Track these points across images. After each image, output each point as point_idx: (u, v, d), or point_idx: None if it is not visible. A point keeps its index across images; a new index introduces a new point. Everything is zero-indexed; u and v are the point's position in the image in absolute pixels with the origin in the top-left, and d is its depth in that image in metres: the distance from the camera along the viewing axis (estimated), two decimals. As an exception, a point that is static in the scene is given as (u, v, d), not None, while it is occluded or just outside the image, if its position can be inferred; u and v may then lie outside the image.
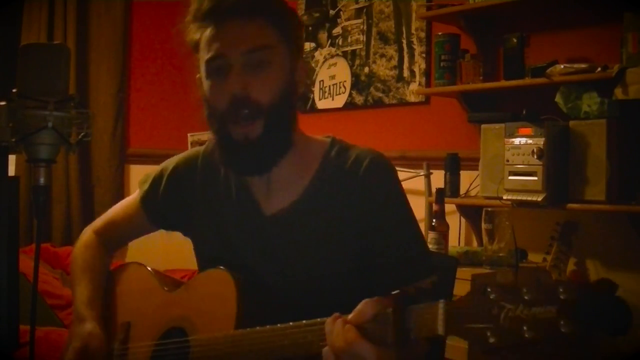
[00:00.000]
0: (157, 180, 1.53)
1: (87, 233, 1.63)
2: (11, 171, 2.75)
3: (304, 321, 1.13)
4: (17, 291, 1.16)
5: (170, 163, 1.53)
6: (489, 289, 0.86)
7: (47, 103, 1.06)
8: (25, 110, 1.06)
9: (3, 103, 1.06)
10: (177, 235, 1.59)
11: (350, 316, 1.05)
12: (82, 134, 1.10)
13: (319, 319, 1.11)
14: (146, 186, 1.54)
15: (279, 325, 1.17)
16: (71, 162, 3.94)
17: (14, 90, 1.07)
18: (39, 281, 2.67)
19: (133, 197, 1.58)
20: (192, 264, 1.56)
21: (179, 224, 1.53)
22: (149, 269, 1.54)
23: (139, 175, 3.78)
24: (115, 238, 1.62)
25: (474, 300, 0.88)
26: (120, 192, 4.05)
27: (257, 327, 1.20)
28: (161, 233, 1.62)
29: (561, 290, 0.80)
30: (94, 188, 4.04)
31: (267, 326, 1.19)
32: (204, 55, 1.32)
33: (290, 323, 1.15)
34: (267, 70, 1.30)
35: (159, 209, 1.53)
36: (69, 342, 1.45)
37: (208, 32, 1.32)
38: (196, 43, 1.35)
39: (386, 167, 1.38)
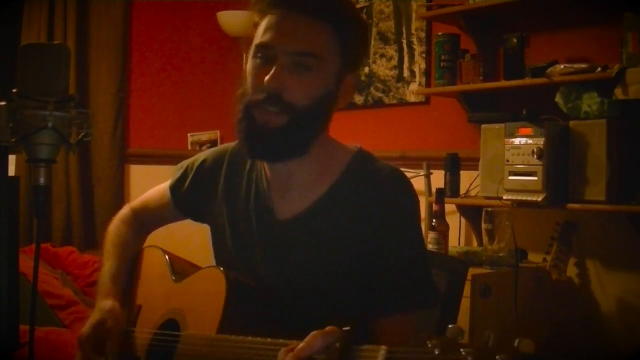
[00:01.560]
0: (187, 170, 1.55)
1: (125, 209, 1.67)
2: (11, 171, 2.75)
3: (269, 339, 1.14)
4: (17, 291, 1.16)
5: (202, 155, 1.56)
6: (430, 344, 0.86)
7: (47, 103, 1.06)
8: (25, 110, 1.06)
9: (3, 103, 1.06)
10: (190, 228, 1.61)
11: (298, 348, 1.05)
12: (82, 134, 1.10)
13: (281, 340, 1.11)
14: (178, 174, 1.56)
15: (249, 337, 1.18)
16: (71, 162, 3.94)
17: (14, 90, 1.07)
18: (39, 281, 2.67)
19: (167, 183, 1.61)
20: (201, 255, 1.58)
21: (202, 215, 1.54)
22: (166, 255, 1.55)
23: (139, 175, 3.79)
24: (148, 219, 1.65)
25: (416, 352, 0.89)
26: (120, 192, 4.05)
27: (234, 336, 1.21)
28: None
29: (498, 359, 0.81)
30: (94, 188, 4.04)
31: (241, 337, 1.20)
32: (257, 38, 1.32)
33: (259, 338, 1.16)
34: (309, 77, 1.28)
35: (184, 199, 1.55)
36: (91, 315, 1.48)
37: (270, 16, 1.30)
38: (257, 23, 1.33)
39: (407, 183, 1.39)
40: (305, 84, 1.28)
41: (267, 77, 1.27)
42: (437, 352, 0.85)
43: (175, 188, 1.57)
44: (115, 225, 1.64)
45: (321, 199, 1.37)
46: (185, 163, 1.57)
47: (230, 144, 1.52)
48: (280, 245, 1.37)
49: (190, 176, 1.53)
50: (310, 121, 1.31)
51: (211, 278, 1.34)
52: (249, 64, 1.33)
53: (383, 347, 0.94)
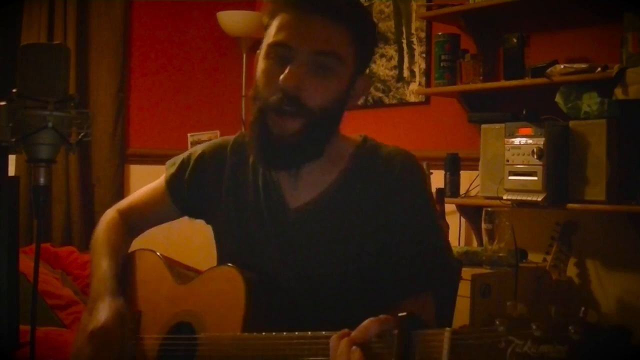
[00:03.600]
0: (184, 164, 1.50)
1: (111, 213, 1.60)
2: (11, 171, 2.75)
3: (309, 332, 1.12)
4: (17, 291, 1.16)
5: (198, 148, 1.51)
6: (497, 321, 0.84)
7: (47, 103, 1.06)
8: (25, 110, 1.06)
9: (3, 103, 1.06)
10: (181, 229, 1.58)
11: (354, 333, 1.03)
12: (82, 134, 1.10)
13: (323, 332, 1.10)
14: (173, 169, 1.51)
15: (284, 333, 1.16)
16: (71, 162, 3.93)
17: (14, 90, 1.07)
18: (39, 281, 2.67)
19: (158, 181, 1.55)
20: (197, 256, 1.56)
21: (202, 211, 1.50)
22: (161, 257, 1.51)
23: (139, 175, 3.81)
24: (138, 222, 1.59)
25: (481, 331, 0.86)
26: (120, 192, 4.05)
27: (264, 333, 1.19)
28: (166, 225, 1.61)
29: (572, 330, 0.77)
30: (94, 188, 4.04)
31: (274, 333, 1.18)
32: (270, 37, 1.28)
33: (296, 333, 1.14)
34: (327, 77, 1.27)
35: (184, 194, 1.50)
36: (92, 314, 1.39)
37: (285, 16, 1.27)
38: (268, 23, 1.31)
39: (419, 168, 1.39)
40: (324, 85, 1.27)
41: (282, 76, 1.24)
42: (502, 329, 0.82)
43: (172, 184, 1.51)
44: (103, 228, 1.56)
45: (333, 184, 1.36)
46: (178, 159, 1.52)
47: (229, 137, 1.50)
48: (294, 234, 1.36)
49: (189, 170, 1.49)
50: (325, 124, 1.30)
51: (226, 277, 1.32)
52: (262, 65, 1.30)
53: (447, 329, 0.91)
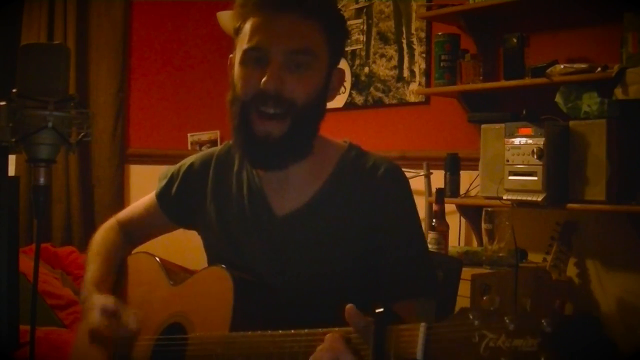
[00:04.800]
0: (174, 176, 1.53)
1: (111, 221, 1.64)
2: (11, 171, 2.75)
3: (292, 331, 1.13)
4: (17, 291, 1.16)
5: (188, 160, 1.54)
6: (471, 315, 0.84)
7: (47, 103, 1.06)
8: (25, 110, 1.06)
9: (3, 103, 1.06)
10: (179, 234, 1.59)
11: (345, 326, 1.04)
12: (82, 134, 1.10)
13: (305, 330, 1.11)
14: (163, 182, 1.54)
15: (269, 332, 1.17)
16: (71, 162, 3.94)
17: (14, 90, 1.07)
18: (39, 281, 2.67)
19: (152, 193, 1.58)
20: (192, 261, 1.56)
21: (191, 221, 1.52)
22: (157, 259, 1.53)
23: (139, 175, 3.81)
24: (135, 233, 1.62)
25: (456, 325, 0.86)
26: (120, 192, 4.05)
27: (249, 332, 1.20)
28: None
29: (545, 323, 0.78)
30: (94, 188, 4.04)
31: (258, 332, 1.19)
32: (244, 42, 1.29)
33: (280, 331, 1.15)
34: (305, 74, 1.28)
35: (173, 206, 1.53)
36: (83, 319, 1.45)
37: (255, 19, 1.28)
38: (239, 27, 1.31)
39: (402, 176, 1.40)
40: (303, 81, 1.28)
41: (264, 79, 1.25)
42: (477, 323, 0.83)
43: (162, 195, 1.54)
44: (99, 234, 1.61)
45: (318, 193, 1.37)
46: (169, 171, 1.55)
47: (216, 148, 1.52)
48: (281, 242, 1.37)
49: (177, 182, 1.52)
50: (310, 119, 1.32)
51: (215, 277, 1.33)
52: (239, 70, 1.31)
53: (422, 324, 0.92)
